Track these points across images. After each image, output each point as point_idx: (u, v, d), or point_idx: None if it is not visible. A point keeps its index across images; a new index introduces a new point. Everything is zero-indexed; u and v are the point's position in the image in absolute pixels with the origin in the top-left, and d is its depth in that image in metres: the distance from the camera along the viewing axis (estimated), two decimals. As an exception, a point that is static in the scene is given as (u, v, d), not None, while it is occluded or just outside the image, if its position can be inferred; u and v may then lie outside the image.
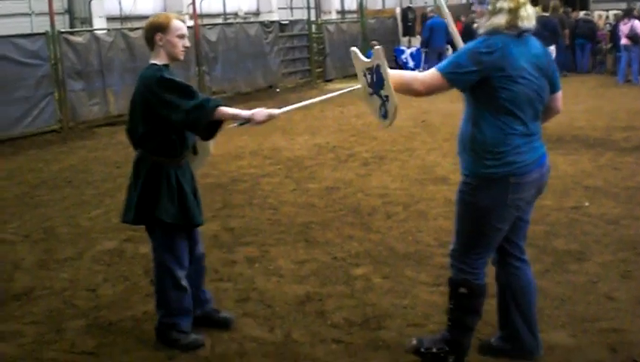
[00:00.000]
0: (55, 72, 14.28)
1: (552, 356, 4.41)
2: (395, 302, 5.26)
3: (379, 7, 30.96)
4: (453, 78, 4.02)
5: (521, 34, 4.04)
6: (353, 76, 17.46)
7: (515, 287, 4.35)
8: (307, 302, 5.33)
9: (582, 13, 23.62)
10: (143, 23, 17.59)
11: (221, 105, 4.37)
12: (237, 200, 8.39)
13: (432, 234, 6.79)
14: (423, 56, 22.55)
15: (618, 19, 20.58)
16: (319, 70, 22.73)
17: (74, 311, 5.45)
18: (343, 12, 30.18)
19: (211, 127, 4.40)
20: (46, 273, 6.32)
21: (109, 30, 16.62)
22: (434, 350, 4.31)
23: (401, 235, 6.80)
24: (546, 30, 19.38)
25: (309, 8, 23.93)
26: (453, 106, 15.39)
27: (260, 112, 4.42)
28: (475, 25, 4.29)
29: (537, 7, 21.07)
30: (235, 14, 25.38)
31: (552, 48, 19.37)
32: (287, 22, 22.70)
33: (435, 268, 5.93)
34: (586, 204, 7.67)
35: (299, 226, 7.23)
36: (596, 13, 25.19)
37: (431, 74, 4.08)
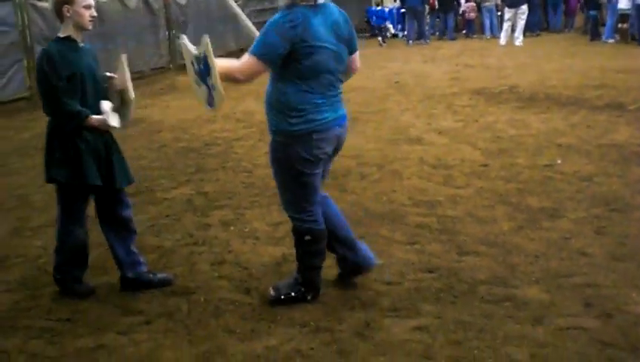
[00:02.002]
0: (23, 38, 14.02)
1: (527, 311, 4.45)
2: (372, 262, 5.27)
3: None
4: (268, 59, 4.19)
5: (316, 2, 4.27)
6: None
7: (326, 217, 4.69)
8: (283, 264, 5.33)
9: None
10: (111, -13, 16.76)
11: (85, 117, 4.68)
12: (210, 165, 8.34)
13: (406, 194, 6.80)
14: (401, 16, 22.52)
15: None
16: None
17: (48, 278, 5.38)
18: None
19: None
20: (20, 241, 6.27)
21: (76, -5, 16.33)
22: (292, 294, 4.68)
23: (375, 195, 6.81)
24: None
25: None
26: (426, 67, 15.46)
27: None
28: None
29: (509, -34, 21.07)
30: (205, -23, 25.05)
31: (524, 7, 19.41)
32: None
33: (409, 227, 5.95)
34: (559, 161, 7.71)
35: (273, 189, 7.12)
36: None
37: (247, 61, 4.21)
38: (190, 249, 5.74)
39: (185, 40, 4.42)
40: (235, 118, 11.07)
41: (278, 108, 4.34)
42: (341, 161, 8.05)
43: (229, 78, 4.23)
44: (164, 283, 5.07)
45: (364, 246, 4.88)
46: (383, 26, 22.40)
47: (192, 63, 4.32)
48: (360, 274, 4.90)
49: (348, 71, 4.64)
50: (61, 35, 4.74)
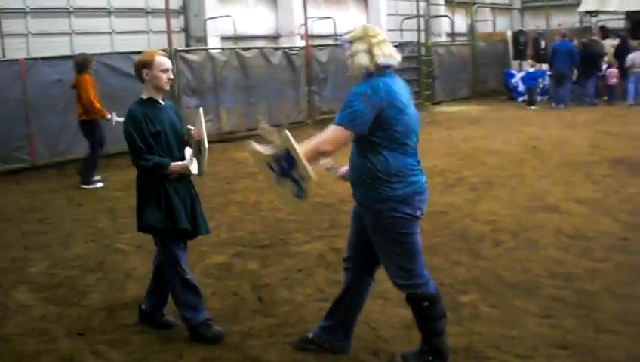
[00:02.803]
0: (171, 88, 14.66)
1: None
2: (503, 333, 5.16)
3: (489, 30, 30.64)
4: (355, 127, 4.28)
5: (385, 71, 4.41)
6: (462, 100, 17.44)
7: (360, 294, 4.85)
8: (413, 327, 5.20)
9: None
10: (256, 43, 17.97)
11: (166, 166, 5.07)
12: (344, 221, 8.35)
13: (542, 264, 6.64)
14: (547, 78, 22.22)
15: None
16: (428, 92, 22.66)
17: (183, 322, 5.57)
18: (453, 35, 30.00)
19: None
20: (157, 284, 6.49)
21: (223, 49, 17.02)
22: None
23: (509, 264, 6.68)
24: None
25: (419, 30, 23.82)
26: (565, 133, 15.13)
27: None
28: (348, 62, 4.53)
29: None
30: (345, 35, 25.53)
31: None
32: (396, 44, 22.69)
33: (544, 299, 5.80)
34: None
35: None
36: None
37: (334, 131, 4.31)
38: (321, 305, 5.78)
39: (254, 144, 4.50)
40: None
41: (375, 177, 4.36)
42: (475, 226, 7.99)
43: (316, 154, 4.32)
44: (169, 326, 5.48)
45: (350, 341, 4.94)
46: (533, 88, 21.97)
47: (270, 166, 4.37)
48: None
49: None
50: (144, 96, 5.19)
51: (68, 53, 15.45)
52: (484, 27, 30.46)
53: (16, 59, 13.14)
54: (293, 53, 17.87)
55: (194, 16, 20.90)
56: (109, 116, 10.88)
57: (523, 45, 26.09)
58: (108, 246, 7.76)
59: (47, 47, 16.10)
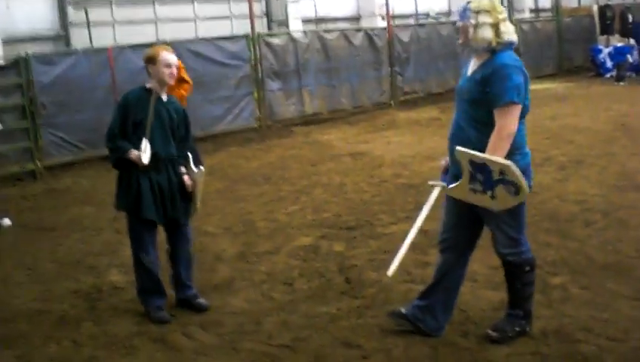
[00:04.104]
0: (255, 72, 14.90)
1: None
2: (595, 315, 5.04)
3: (574, 4, 29.83)
4: (522, 100, 4.37)
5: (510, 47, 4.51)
6: (547, 77, 17.04)
7: (459, 274, 4.91)
8: (502, 309, 5.18)
9: None
10: (337, 25, 18.04)
11: (125, 151, 5.37)
12: (429, 202, 8.35)
13: (634, 245, 6.45)
14: (635, 53, 21.58)
15: None
16: (512, 71, 22.25)
17: (271, 303, 5.66)
18: (536, 10, 29.30)
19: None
20: (245, 265, 6.62)
21: (305, 32, 17.07)
22: (517, 329, 4.71)
23: (600, 244, 6.52)
24: None
25: (502, 7, 23.38)
26: (657, 110, 14.65)
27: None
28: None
29: None
30: (427, 15, 25.27)
31: None
32: (479, 22, 22.33)
33: (637, 281, 5.64)
34: None
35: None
36: None
37: (511, 110, 4.33)
38: (408, 286, 5.78)
39: (445, 188, 4.74)
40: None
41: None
42: (564, 206, 7.84)
43: (503, 142, 4.32)
44: (201, 308, 5.63)
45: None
46: (622, 63, 21.27)
47: (473, 190, 4.40)
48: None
49: None
50: (147, 85, 5.50)
51: (153, 40, 15.74)
52: (569, 2, 29.63)
53: (105, 48, 13.44)
54: (375, 34, 17.79)
55: (275, -1, 21.03)
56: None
57: (610, 20, 25.32)
58: (197, 229, 7.84)
59: (132, 35, 16.45)
